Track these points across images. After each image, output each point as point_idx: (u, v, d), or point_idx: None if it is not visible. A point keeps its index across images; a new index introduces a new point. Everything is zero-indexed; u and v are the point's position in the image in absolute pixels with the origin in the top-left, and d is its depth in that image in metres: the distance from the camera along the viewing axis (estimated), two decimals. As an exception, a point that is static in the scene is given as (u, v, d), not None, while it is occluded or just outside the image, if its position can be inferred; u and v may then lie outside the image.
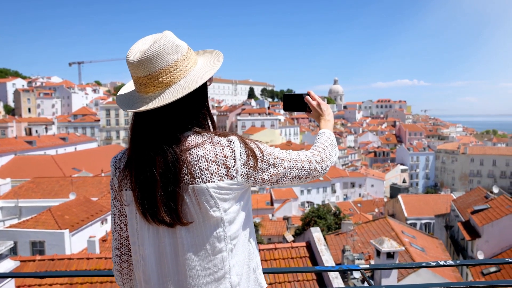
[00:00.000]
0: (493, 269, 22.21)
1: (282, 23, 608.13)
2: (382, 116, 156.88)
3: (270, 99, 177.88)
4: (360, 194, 71.65)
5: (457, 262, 2.27)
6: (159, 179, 1.35)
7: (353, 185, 72.17)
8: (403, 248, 15.85)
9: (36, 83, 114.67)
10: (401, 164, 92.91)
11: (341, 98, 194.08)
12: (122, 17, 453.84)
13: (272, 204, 49.93)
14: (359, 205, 56.81)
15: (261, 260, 8.42)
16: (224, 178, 1.37)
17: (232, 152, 1.38)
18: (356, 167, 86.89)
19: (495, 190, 35.16)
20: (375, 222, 26.11)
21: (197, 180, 1.35)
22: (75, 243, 21.65)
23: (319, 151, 1.64)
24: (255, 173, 1.43)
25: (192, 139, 1.39)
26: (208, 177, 1.35)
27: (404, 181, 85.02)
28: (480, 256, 23.67)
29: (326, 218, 34.13)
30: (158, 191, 1.35)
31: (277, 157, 1.48)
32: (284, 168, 1.48)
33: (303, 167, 1.53)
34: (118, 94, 1.56)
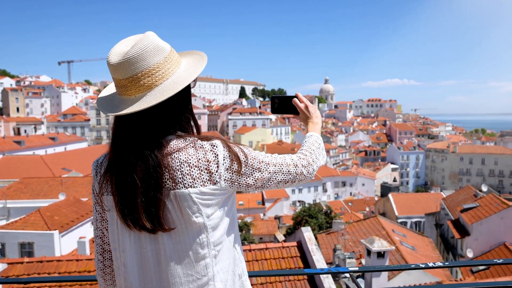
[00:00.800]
0: (482, 266, 22.41)
1: (273, 23, 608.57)
2: (372, 115, 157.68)
3: (261, 99, 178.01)
4: (351, 193, 71.95)
5: (446, 263, 2.26)
6: (139, 185, 1.32)
7: (344, 184, 72.43)
8: (393, 247, 15.93)
9: (24, 82, 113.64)
10: (392, 163, 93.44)
11: (332, 98, 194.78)
12: (112, 15, 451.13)
13: (263, 204, 49.97)
14: (350, 204, 57.03)
15: (252, 260, 8.45)
16: (207, 183, 1.33)
17: (215, 157, 1.35)
18: (347, 166, 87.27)
19: (484, 188, 35.49)
20: (366, 221, 26.22)
21: (179, 186, 1.31)
22: (65, 244, 21.46)
23: (306, 155, 1.60)
24: (239, 178, 1.40)
25: (174, 144, 1.36)
26: (190, 182, 1.32)
27: (394, 180, 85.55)
28: (470, 254, 23.86)
29: (318, 217, 34.22)
30: (139, 196, 1.32)
31: (262, 162, 1.44)
32: (269, 172, 1.45)
33: (289, 171, 1.50)
34: (99, 96, 1.52)
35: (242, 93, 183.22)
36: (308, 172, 1.56)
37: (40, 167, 45.79)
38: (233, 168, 1.37)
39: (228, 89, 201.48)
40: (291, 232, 31.11)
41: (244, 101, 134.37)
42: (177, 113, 1.43)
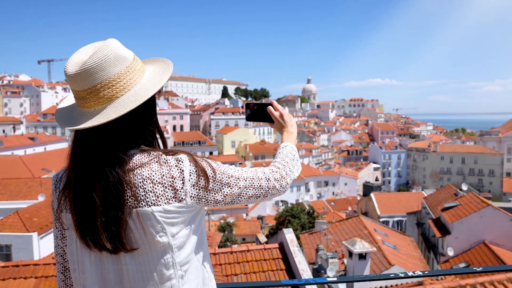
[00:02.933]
0: (462, 265, 22.71)
1: (255, 22, 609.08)
2: (355, 115, 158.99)
3: (243, 98, 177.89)
4: (333, 193, 72.36)
5: (426, 272, 2.22)
6: (99, 204, 1.24)
7: (326, 183, 72.81)
8: (375, 249, 15.98)
9: (3, 82, 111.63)
10: (374, 162, 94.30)
11: (315, 97, 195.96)
12: (93, 14, 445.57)
13: (246, 204, 49.89)
14: (332, 203, 57.33)
15: (234, 263, 8.36)
16: (172, 200, 1.25)
17: (181, 173, 1.27)
18: (329, 165, 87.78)
19: (464, 187, 35.97)
20: (348, 220, 26.34)
21: (142, 204, 1.23)
22: (44, 247, 21.03)
23: (279, 168, 1.53)
24: (207, 194, 1.32)
25: (137, 159, 1.28)
26: (153, 200, 1.23)
27: (376, 179, 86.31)
28: (450, 252, 24.15)
29: (300, 217, 34.26)
30: (99, 216, 1.24)
31: (232, 176, 1.37)
32: (240, 187, 1.38)
33: (260, 185, 1.43)
34: (58, 107, 1.43)
35: (225, 93, 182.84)
36: (281, 186, 1.49)
37: (19, 167, 44.90)
38: (200, 184, 1.30)
39: (210, 88, 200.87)
40: (274, 232, 31.11)
41: (226, 101, 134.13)
42: (140, 126, 1.35)
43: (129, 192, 1.23)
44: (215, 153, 77.38)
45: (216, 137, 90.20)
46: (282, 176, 1.50)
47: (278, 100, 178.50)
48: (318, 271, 17.95)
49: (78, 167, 1.29)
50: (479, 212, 24.35)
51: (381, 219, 40.42)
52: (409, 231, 34.98)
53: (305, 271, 7.25)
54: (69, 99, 1.42)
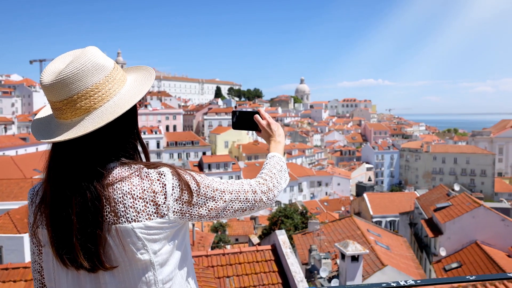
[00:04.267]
0: (454, 265, 22.79)
1: (248, 23, 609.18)
2: (348, 115, 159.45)
3: (237, 98, 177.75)
4: (326, 193, 72.49)
5: (418, 281, 2.19)
6: (75, 220, 1.18)
7: (319, 184, 72.94)
8: (367, 251, 15.99)
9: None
10: (367, 162, 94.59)
11: (308, 97, 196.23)
12: (85, 14, 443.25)
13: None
14: (325, 203, 57.44)
15: (226, 265, 8.31)
16: (153, 216, 1.20)
17: (163, 187, 1.22)
18: (322, 166, 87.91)
19: (456, 187, 36.15)
20: (341, 221, 26.34)
21: (121, 220, 1.18)
22: (35, 248, 20.90)
23: (266, 180, 1.50)
24: (191, 209, 1.27)
25: (117, 172, 1.23)
26: (134, 216, 1.18)
27: (369, 180, 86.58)
28: (443, 252, 24.23)
29: (293, 218, 34.25)
30: (75, 233, 1.18)
31: (217, 190, 1.32)
32: (225, 201, 1.33)
33: (246, 198, 1.39)
34: (35, 118, 1.37)
35: (218, 93, 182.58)
36: (268, 199, 1.45)
37: (11, 168, 44.55)
38: (183, 199, 1.25)
39: (203, 89, 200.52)
40: (267, 232, 31.09)
41: (220, 101, 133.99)
42: (120, 138, 1.29)
43: (108, 208, 1.18)
44: (208, 153, 77.23)
45: (209, 137, 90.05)
46: (269, 189, 1.46)
47: (272, 101, 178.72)
48: (311, 272, 17.94)
49: (54, 181, 1.23)
50: (471, 212, 24.45)
51: (374, 219, 40.54)
52: (402, 231, 35.09)
53: (297, 273, 7.22)
54: (46, 109, 1.36)
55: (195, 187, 1.27)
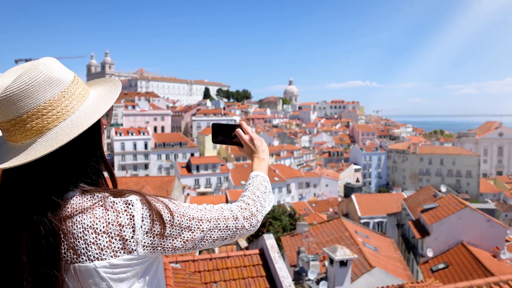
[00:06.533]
0: (441, 265, 22.97)
1: (237, 23, 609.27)
2: (336, 116, 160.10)
3: (225, 100, 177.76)
4: (315, 194, 72.69)
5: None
6: (25, 260, 1.02)
7: (308, 185, 73.10)
8: (356, 256, 15.99)
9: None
10: (355, 163, 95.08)
11: (296, 99, 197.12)
12: (74, 13, 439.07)
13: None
14: (314, 205, 57.60)
15: (214, 270, 8.23)
16: (120, 253, 1.05)
17: (131, 219, 1.07)
18: (311, 167, 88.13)
19: (443, 189, 36.46)
20: (329, 222, 26.40)
21: (82, 258, 1.03)
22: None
23: (248, 204, 1.35)
24: (164, 241, 1.12)
25: (76, 203, 1.07)
26: (96, 253, 1.03)
27: (357, 181, 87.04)
28: (430, 253, 24.41)
29: (282, 219, 34.23)
30: (26, 275, 1.02)
31: (193, 218, 1.18)
32: (203, 230, 1.19)
33: (227, 226, 1.25)
34: None
35: (207, 94, 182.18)
36: (250, 225, 1.32)
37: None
38: (154, 231, 1.10)
39: (192, 89, 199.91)
40: (255, 234, 31.04)
41: (208, 102, 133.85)
42: (80, 162, 1.13)
43: (66, 245, 1.04)
44: (197, 154, 76.97)
45: (198, 138, 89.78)
46: (252, 214, 1.33)
47: (260, 102, 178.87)
48: (299, 274, 17.92)
49: (2, 215, 1.07)
50: (457, 213, 24.66)
51: (362, 220, 40.77)
52: (390, 232, 35.31)
53: (285, 278, 7.17)
54: None
55: (168, 216, 1.13)
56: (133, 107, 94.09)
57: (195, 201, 49.81)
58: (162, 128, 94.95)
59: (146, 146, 75.69)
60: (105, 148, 1.25)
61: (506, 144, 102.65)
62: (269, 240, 8.18)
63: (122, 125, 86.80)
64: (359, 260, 18.30)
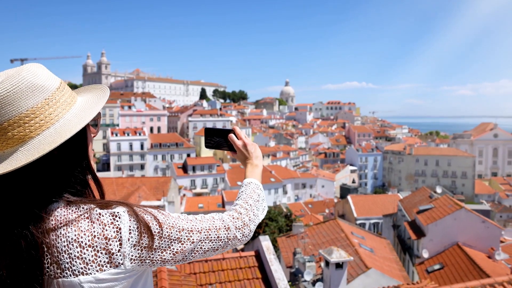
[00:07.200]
0: (437, 266, 23.03)
1: (234, 24, 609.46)
2: (332, 117, 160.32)
3: (222, 100, 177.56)
4: (311, 195, 72.71)
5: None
6: (5, 274, 0.98)
7: (304, 186, 73.13)
8: (352, 258, 16.00)
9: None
10: (351, 164, 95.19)
11: (292, 100, 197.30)
12: (70, 13, 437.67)
13: (223, 206, 49.68)
14: (310, 206, 57.63)
15: (209, 271, 8.21)
16: (106, 267, 1.01)
17: (117, 232, 1.03)
18: (307, 168, 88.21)
19: (439, 190, 36.61)
20: (325, 223, 26.42)
21: (66, 273, 0.99)
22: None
23: (241, 213, 1.32)
24: (152, 254, 1.08)
25: (61, 214, 1.03)
26: (81, 268, 0.99)
27: (353, 182, 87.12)
28: (425, 254, 24.47)
29: (278, 220, 34.22)
30: None
31: (183, 229, 1.14)
32: (193, 242, 1.15)
33: (218, 237, 1.22)
34: None
35: (203, 95, 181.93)
36: (243, 235, 1.29)
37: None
38: (142, 243, 1.06)
39: (188, 90, 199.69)
40: (252, 236, 31.00)
41: (204, 103, 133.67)
42: (66, 172, 1.08)
43: (49, 259, 0.99)
44: (193, 155, 76.85)
45: (194, 139, 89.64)
46: (244, 224, 1.30)
47: (257, 102, 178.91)
48: (295, 275, 17.93)
49: None
50: (453, 214, 24.74)
51: (358, 221, 40.83)
52: (385, 233, 35.36)
53: (281, 280, 7.17)
54: None
55: (156, 228, 1.09)
56: (129, 107, 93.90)
57: (191, 201, 49.77)
58: (158, 128, 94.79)
59: (142, 146, 75.52)
60: (92, 157, 1.21)
61: (501, 146, 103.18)
62: (265, 242, 8.17)
63: (118, 125, 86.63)
64: (355, 261, 18.32)
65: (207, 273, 7.57)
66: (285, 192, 69.07)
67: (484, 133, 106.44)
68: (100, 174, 65.90)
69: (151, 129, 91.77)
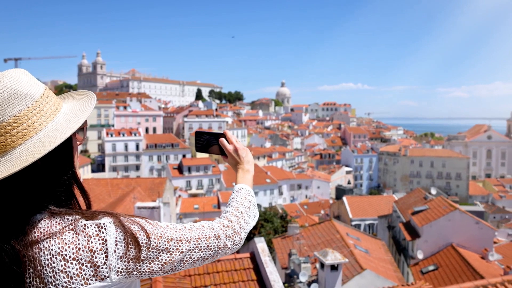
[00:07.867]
0: (431, 267, 23.12)
1: (230, 25, 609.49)
2: (328, 118, 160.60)
3: (217, 101, 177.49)
4: (306, 196, 72.75)
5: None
6: None
7: (299, 187, 73.17)
8: (347, 260, 16.02)
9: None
10: (346, 165, 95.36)
11: (288, 101, 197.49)
12: (65, 13, 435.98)
13: (219, 207, 49.62)
14: (305, 207, 57.64)
15: (204, 274, 8.23)
16: (91, 280, 0.97)
17: (103, 244, 0.99)
18: (302, 169, 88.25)
19: (433, 191, 36.68)
20: (320, 225, 26.46)
21: (49, 287, 0.95)
22: None
23: (231, 221, 1.29)
24: (139, 266, 1.05)
25: (44, 226, 0.99)
26: (65, 282, 0.95)
27: (349, 183, 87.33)
28: (420, 255, 24.56)
29: (273, 221, 34.24)
30: None
31: (171, 239, 1.11)
32: (182, 252, 1.12)
33: (208, 246, 1.19)
34: None
35: (199, 95, 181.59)
36: (233, 243, 1.26)
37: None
38: (129, 255, 1.02)
39: (184, 91, 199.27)
40: (247, 237, 31.00)
41: (200, 103, 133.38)
42: (49, 183, 1.04)
43: (31, 273, 0.96)
44: (188, 156, 76.72)
45: (190, 139, 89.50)
46: (234, 232, 1.27)
47: (253, 103, 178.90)
48: (290, 276, 17.95)
49: None
50: (447, 215, 24.86)
51: (353, 222, 40.95)
52: (380, 234, 35.47)
53: (276, 281, 7.19)
54: None
55: (144, 239, 1.05)
56: (125, 107, 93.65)
57: (186, 202, 49.65)
58: (154, 129, 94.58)
59: (137, 147, 75.34)
60: (77, 165, 1.16)
61: (494, 147, 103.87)
62: (260, 244, 8.19)
63: (113, 126, 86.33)
64: (350, 263, 18.36)
65: (202, 275, 7.58)
66: (280, 193, 69.09)
67: (478, 135, 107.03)
68: (95, 175, 65.67)
69: (147, 130, 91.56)
